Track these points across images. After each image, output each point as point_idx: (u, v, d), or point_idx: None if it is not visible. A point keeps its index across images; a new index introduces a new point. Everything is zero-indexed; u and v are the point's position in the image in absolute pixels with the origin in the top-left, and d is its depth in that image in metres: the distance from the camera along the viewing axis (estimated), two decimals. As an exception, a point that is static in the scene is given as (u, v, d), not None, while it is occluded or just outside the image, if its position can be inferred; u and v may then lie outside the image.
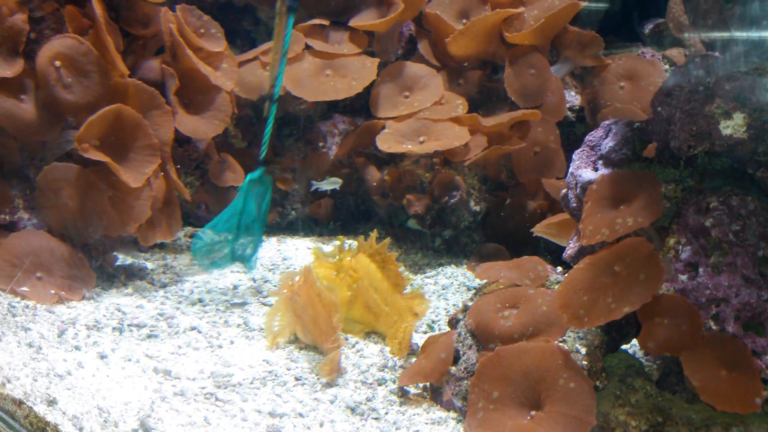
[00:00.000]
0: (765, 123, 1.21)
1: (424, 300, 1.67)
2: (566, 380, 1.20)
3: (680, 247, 1.23)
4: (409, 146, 2.23)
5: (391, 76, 2.43)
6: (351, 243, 1.83)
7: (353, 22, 2.45)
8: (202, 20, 2.07)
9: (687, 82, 1.27)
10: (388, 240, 1.73)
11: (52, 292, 1.72)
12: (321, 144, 2.47)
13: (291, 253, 2.22)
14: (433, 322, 1.85)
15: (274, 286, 1.97)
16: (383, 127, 2.31)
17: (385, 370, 1.55)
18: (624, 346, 1.46)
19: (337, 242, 1.74)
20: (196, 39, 2.03)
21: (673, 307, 1.16)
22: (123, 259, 2.03)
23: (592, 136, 1.45)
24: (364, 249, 1.68)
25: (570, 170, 1.47)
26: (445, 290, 2.09)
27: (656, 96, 1.32)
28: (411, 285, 2.09)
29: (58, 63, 1.75)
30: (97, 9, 1.78)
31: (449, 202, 2.26)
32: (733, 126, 1.21)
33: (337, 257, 1.68)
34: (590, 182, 1.37)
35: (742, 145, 1.22)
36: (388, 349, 1.61)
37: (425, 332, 1.79)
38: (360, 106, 2.51)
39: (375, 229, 1.78)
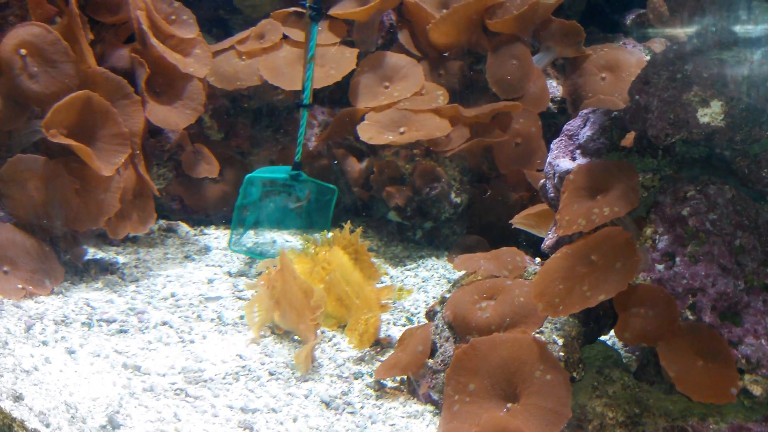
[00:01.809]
0: (742, 111, 1.19)
1: (392, 292, 1.65)
2: (542, 372, 1.18)
3: (657, 236, 1.22)
4: (390, 137, 2.20)
5: (371, 66, 2.39)
6: (327, 235, 1.81)
7: (333, 11, 2.40)
8: (173, 6, 2.02)
9: (665, 70, 1.25)
10: (359, 230, 1.70)
11: (19, 286, 1.67)
12: (300, 135, 2.42)
13: (269, 246, 2.18)
14: (412, 314, 1.83)
15: (251, 279, 1.93)
16: (363, 117, 2.28)
17: (362, 363, 1.53)
18: (603, 338, 1.45)
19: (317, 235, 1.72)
20: (167, 26, 1.98)
21: (650, 297, 1.15)
22: (94, 252, 1.98)
23: (570, 126, 1.43)
24: (338, 241, 1.65)
25: (548, 160, 1.45)
26: (426, 283, 2.07)
27: (634, 84, 1.30)
28: (390, 278, 2.07)
29: (23, 51, 1.70)
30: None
31: (430, 194, 2.23)
32: (711, 114, 1.20)
33: (313, 251, 1.66)
34: (568, 172, 1.35)
35: (719, 133, 1.21)
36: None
37: (404, 325, 1.76)
38: (339, 97, 2.47)
39: (349, 221, 1.77)
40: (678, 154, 1.31)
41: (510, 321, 1.33)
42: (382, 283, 2.03)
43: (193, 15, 2.08)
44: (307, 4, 1.98)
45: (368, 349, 1.57)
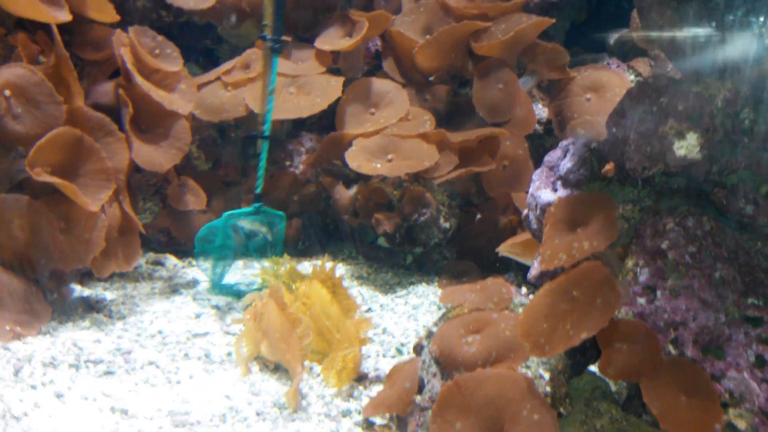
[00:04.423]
0: (718, 143, 1.20)
1: (371, 325, 1.65)
2: (529, 411, 1.17)
3: (638, 269, 1.22)
4: (378, 165, 2.20)
5: (357, 93, 2.41)
6: (315, 263, 1.81)
7: (319, 44, 2.42)
8: (156, 41, 2.03)
9: (640, 103, 1.26)
10: (334, 264, 1.71)
11: (7, 328, 1.66)
12: (288, 163, 2.43)
13: (245, 285, 2.18)
14: (402, 345, 1.82)
15: (239, 313, 1.93)
16: (350, 143, 2.28)
17: (351, 399, 1.52)
18: (592, 367, 1.44)
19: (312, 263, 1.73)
20: (152, 60, 1.99)
21: (632, 333, 1.15)
22: (80, 290, 1.97)
23: (551, 157, 1.44)
24: (317, 275, 1.65)
25: (530, 191, 1.46)
26: (416, 310, 2.06)
27: (611, 117, 1.31)
28: (380, 306, 2.07)
29: (8, 92, 1.70)
30: (57, 40, 1.74)
31: (419, 220, 2.23)
32: (687, 146, 1.20)
33: (294, 286, 1.66)
34: (549, 204, 1.36)
35: (696, 165, 1.21)
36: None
37: (393, 356, 1.76)
38: (327, 124, 2.48)
39: (327, 254, 1.78)
40: (658, 184, 1.32)
41: (496, 355, 1.32)
42: (371, 311, 2.03)
43: (177, 48, 2.09)
44: (268, 37, 1.98)
45: (354, 383, 1.56)
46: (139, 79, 1.88)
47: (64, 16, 1.81)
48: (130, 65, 1.88)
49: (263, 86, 2.06)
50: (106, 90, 1.96)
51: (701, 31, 1.31)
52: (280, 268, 1.89)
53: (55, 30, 1.79)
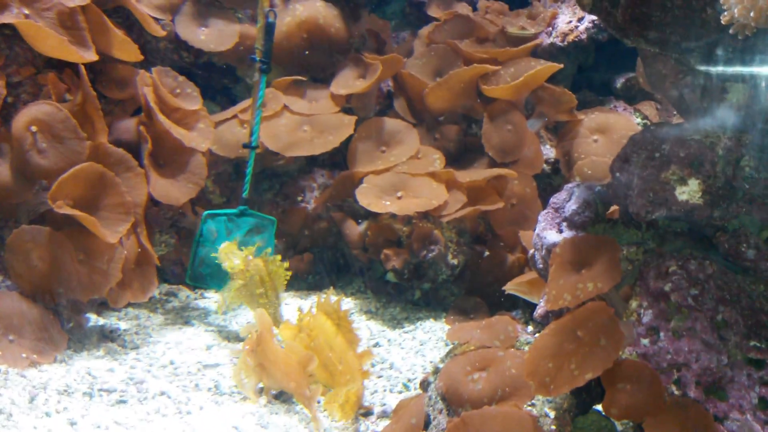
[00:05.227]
0: (719, 189, 1.24)
1: (372, 356, 1.67)
2: (533, 448, 1.19)
3: (642, 310, 1.24)
4: (388, 203, 2.25)
5: (368, 132, 2.48)
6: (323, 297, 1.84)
7: (334, 88, 2.50)
8: (178, 81, 2.12)
9: (643, 149, 1.31)
10: (340, 297, 1.74)
11: (24, 356, 1.70)
12: (300, 198, 2.49)
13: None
14: (409, 380, 1.83)
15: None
16: (361, 180, 2.34)
17: (357, 434, 1.54)
18: (598, 406, 1.45)
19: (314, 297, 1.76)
20: (173, 99, 2.07)
21: (636, 373, 1.17)
22: (95, 319, 2.01)
23: (557, 198, 1.48)
24: (322, 307, 1.68)
25: (536, 231, 1.50)
26: (423, 346, 2.08)
27: (615, 162, 1.35)
28: (388, 341, 2.09)
29: (34, 128, 1.78)
30: (85, 79, 1.82)
31: (427, 257, 2.27)
32: (689, 192, 1.24)
33: (298, 317, 1.69)
34: (555, 245, 1.39)
35: (698, 210, 1.25)
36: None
37: (400, 392, 1.77)
38: (340, 160, 2.55)
39: (331, 287, 1.82)
40: (661, 228, 1.35)
41: (502, 393, 1.34)
42: (378, 345, 2.05)
43: (197, 88, 2.17)
44: (258, 59, 2.14)
45: (361, 418, 1.58)
46: (161, 118, 1.96)
47: (92, 56, 1.89)
48: (152, 104, 1.96)
49: (252, 101, 2.19)
50: (128, 127, 2.04)
51: (702, 80, 1.37)
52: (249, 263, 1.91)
53: (83, 70, 1.88)
